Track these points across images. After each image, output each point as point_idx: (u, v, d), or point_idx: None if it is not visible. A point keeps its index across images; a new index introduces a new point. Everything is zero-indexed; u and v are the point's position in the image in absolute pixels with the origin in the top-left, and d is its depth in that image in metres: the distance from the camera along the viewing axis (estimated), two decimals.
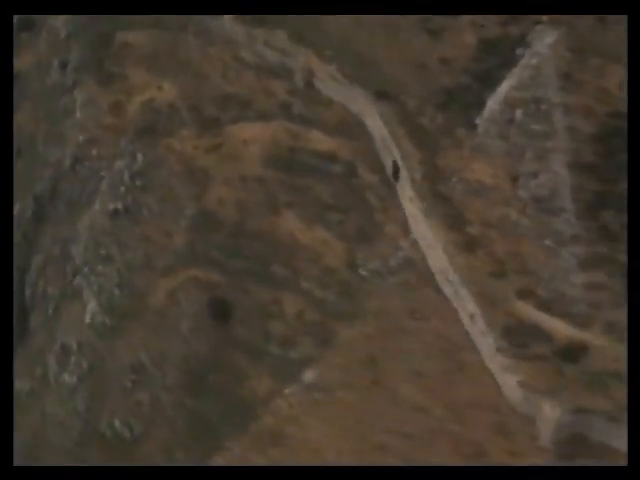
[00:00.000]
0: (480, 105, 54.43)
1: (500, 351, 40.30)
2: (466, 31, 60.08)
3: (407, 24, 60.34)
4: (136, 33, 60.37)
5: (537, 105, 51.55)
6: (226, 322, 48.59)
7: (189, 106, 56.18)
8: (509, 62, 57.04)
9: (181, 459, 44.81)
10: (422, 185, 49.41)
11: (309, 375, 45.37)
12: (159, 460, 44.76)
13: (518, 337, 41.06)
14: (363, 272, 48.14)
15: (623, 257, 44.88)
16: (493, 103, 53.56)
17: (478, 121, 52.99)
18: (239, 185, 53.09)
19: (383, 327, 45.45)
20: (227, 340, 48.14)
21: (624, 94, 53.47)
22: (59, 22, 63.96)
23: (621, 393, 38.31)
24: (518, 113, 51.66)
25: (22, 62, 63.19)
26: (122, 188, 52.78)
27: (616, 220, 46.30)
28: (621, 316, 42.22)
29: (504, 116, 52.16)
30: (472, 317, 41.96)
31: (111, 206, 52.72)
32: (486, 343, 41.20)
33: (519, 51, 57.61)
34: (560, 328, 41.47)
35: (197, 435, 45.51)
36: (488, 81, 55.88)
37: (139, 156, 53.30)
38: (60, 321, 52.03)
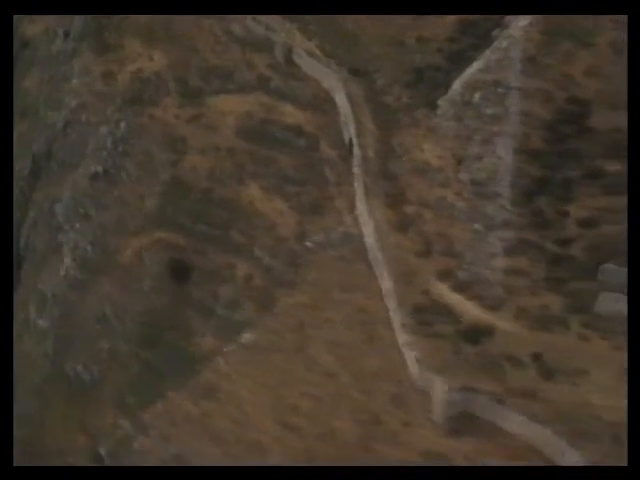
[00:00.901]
0: (447, 86, 55.74)
1: (404, 327, 42.75)
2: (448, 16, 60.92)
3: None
4: None
5: (495, 88, 52.39)
6: (184, 283, 52.79)
7: (175, 77, 59.89)
8: (483, 43, 57.87)
9: (130, 403, 49.79)
10: (373, 162, 51.62)
11: (247, 337, 49.07)
12: (111, 403, 50.10)
13: (426, 315, 43.16)
14: (308, 244, 51.02)
15: (550, 245, 46.08)
16: (457, 85, 54.74)
17: (440, 102, 54.31)
18: (212, 154, 56.64)
19: (316, 297, 48.31)
20: (182, 299, 52.36)
21: (588, 81, 53.85)
22: None
23: (514, 377, 40.32)
24: (476, 96, 52.63)
25: (32, 30, 68.36)
26: (104, 153, 57.29)
27: (551, 207, 47.23)
28: (535, 303, 43.89)
29: (464, 98, 53.23)
30: (387, 293, 44.44)
31: (93, 169, 57.41)
32: (396, 318, 43.71)
33: (495, 32, 58.34)
34: (469, 310, 43.25)
35: (146, 383, 50.14)
36: (459, 62, 56.90)
37: (122, 124, 57.63)
38: (42, 272, 57.60)
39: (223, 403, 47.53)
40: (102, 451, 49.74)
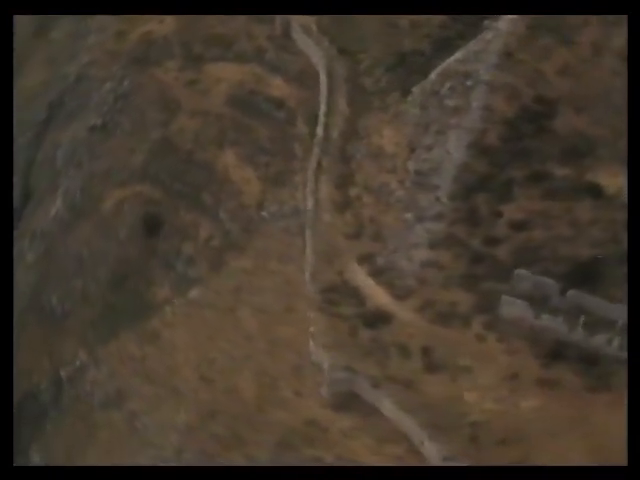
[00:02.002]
0: (426, 73, 56.08)
1: (312, 303, 44.99)
2: None
3: None
4: None
5: (464, 80, 52.42)
6: (154, 236, 56.86)
7: (181, 41, 62.95)
8: (472, 33, 57.55)
9: (90, 338, 54.98)
10: (334, 142, 53.26)
11: (194, 293, 53.00)
12: (75, 336, 55.45)
13: (335, 295, 45.30)
14: (264, 213, 53.73)
15: (476, 243, 46.62)
16: (434, 73, 54.99)
17: (414, 89, 54.86)
18: (201, 118, 59.73)
19: (257, 264, 51.33)
20: (150, 251, 56.49)
21: (559, 80, 52.77)
22: None
23: (398, 366, 42.09)
24: (446, 86, 52.98)
25: None
26: (105, 107, 61.54)
27: (487, 206, 47.53)
28: (443, 298, 45.00)
29: (434, 87, 53.63)
30: (307, 268, 46.67)
31: (92, 121, 61.88)
32: (309, 294, 46.00)
33: (486, 23, 57.78)
34: (377, 296, 44.93)
35: (106, 322, 55.07)
36: (444, 50, 56.93)
37: (125, 82, 61.67)
38: (38, 210, 63.16)
39: (160, 349, 52.08)
40: (62, 375, 55.87)
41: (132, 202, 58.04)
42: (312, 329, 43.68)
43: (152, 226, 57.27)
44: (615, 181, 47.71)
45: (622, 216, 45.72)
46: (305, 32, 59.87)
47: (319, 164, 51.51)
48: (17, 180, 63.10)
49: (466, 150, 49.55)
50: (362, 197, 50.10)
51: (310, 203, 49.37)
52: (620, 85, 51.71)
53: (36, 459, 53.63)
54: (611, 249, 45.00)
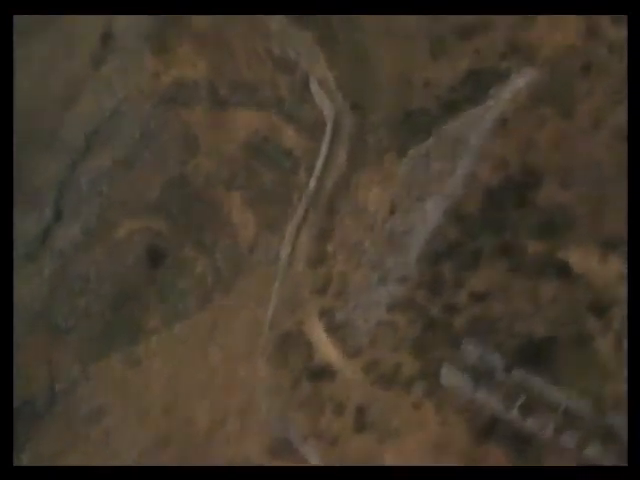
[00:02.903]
0: (429, 134, 56.76)
1: (266, 348, 46.60)
2: (465, 57, 60.96)
3: (419, 42, 63.17)
4: (203, 17, 71.04)
5: (455, 145, 52.78)
6: (156, 266, 60.56)
7: (209, 85, 66.45)
8: (479, 98, 57.68)
9: (85, 355, 58.98)
10: (325, 196, 54.85)
11: (178, 326, 55.99)
12: (72, 351, 59.50)
13: (289, 344, 46.68)
14: (254, 257, 56.00)
15: (435, 309, 46.74)
16: (433, 135, 55.63)
17: (411, 150, 55.64)
18: (216, 160, 63.22)
19: (237, 305, 53.92)
20: (151, 280, 60.28)
21: (551, 152, 51.99)
22: None
23: (328, 420, 43.02)
24: (437, 149, 53.46)
25: (117, 26, 77.96)
26: (131, 142, 65.81)
27: (452, 274, 47.55)
28: (390, 360, 45.40)
29: (428, 149, 54.32)
30: (268, 316, 48.47)
31: (118, 154, 66.33)
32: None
33: (492, 91, 57.76)
34: (327, 351, 45.94)
35: (101, 342, 59.46)
36: (450, 113, 57.38)
37: (153, 120, 65.69)
38: (60, 231, 67.93)
39: (138, 374, 55.66)
40: (56, 387, 60.19)
41: (141, 233, 62.12)
42: (260, 373, 45.61)
43: (156, 258, 61.10)
44: (586, 262, 46.95)
45: (585, 298, 45.30)
46: (321, 85, 62.26)
47: (305, 215, 53.48)
48: (50, 200, 68.88)
49: (442, 216, 50.06)
50: (337, 252, 51.49)
51: (286, 252, 51.33)
52: (612, 163, 51.18)
53: (24, 460, 58.10)
54: (568, 331, 44.40)
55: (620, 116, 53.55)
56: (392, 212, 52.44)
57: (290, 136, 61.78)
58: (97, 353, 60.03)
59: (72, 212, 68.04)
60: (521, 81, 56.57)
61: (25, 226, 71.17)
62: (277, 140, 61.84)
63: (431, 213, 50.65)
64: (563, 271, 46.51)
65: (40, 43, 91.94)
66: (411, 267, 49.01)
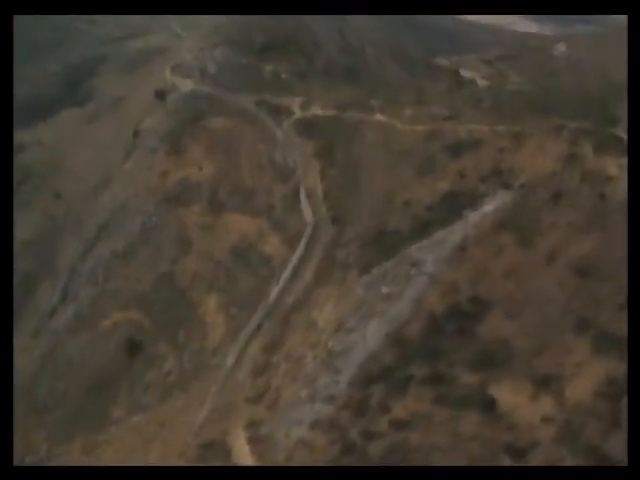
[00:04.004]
0: (395, 254, 56.83)
1: (186, 452, 47.19)
2: (448, 177, 61.18)
3: (412, 159, 63.99)
4: (219, 119, 75.09)
5: (410, 268, 52.58)
6: (133, 358, 62.67)
7: (210, 188, 69.80)
8: (452, 220, 57.44)
9: (53, 435, 61.34)
10: (282, 308, 55.67)
11: (135, 419, 57.40)
12: (44, 430, 61.85)
13: (208, 452, 46.95)
14: (212, 360, 57.09)
15: (355, 433, 45.95)
16: (397, 257, 55.61)
17: (374, 269, 55.76)
18: (203, 262, 65.74)
19: (184, 404, 54.75)
20: (125, 371, 62.29)
21: (503, 282, 50.79)
22: (175, 101, 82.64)
23: None
24: (393, 271, 53.44)
25: (144, 124, 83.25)
26: (131, 236, 69.37)
27: (379, 399, 46.83)
28: None
29: (387, 270, 54.36)
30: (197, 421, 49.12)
31: (117, 246, 69.97)
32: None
33: (465, 212, 57.44)
34: (244, 460, 45.89)
35: (71, 425, 61.64)
36: (420, 233, 57.45)
37: (154, 217, 69.21)
38: (60, 313, 71.69)
39: (93, 458, 56.88)
40: (27, 460, 62.51)
41: (124, 324, 64.93)
42: None
43: (133, 349, 63.55)
44: (515, 399, 45.25)
45: (505, 438, 43.54)
46: (308, 196, 64.14)
47: (260, 325, 54.55)
48: (62, 283, 73.56)
49: (382, 339, 49.87)
50: (280, 365, 52.04)
51: (231, 360, 52.33)
52: (562, 299, 49.59)
53: None
54: None
55: (576, 253, 52.55)
56: (337, 330, 52.87)
57: (273, 244, 63.73)
58: (64, 436, 62.31)
59: (72, 297, 72.38)
60: (490, 206, 56.74)
61: (41, 303, 76.33)
62: (261, 247, 63.96)
63: (371, 335, 50.70)
64: (488, 407, 45.21)
65: (103, 127, 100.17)
66: (341, 387, 48.99)
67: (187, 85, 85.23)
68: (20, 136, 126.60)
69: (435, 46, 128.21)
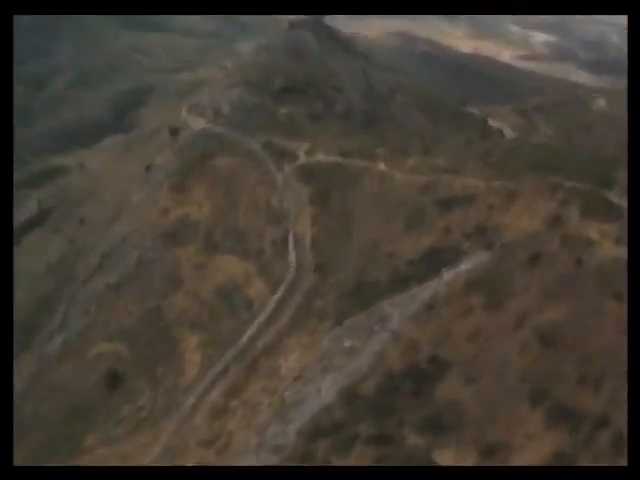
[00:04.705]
0: (371, 307, 56.24)
1: None
2: (433, 233, 60.47)
3: (403, 210, 63.52)
4: (226, 159, 76.08)
5: (375, 323, 52.06)
6: (112, 389, 63.52)
7: (207, 228, 70.70)
8: (429, 276, 56.58)
9: (30, 456, 62.02)
10: (250, 352, 55.71)
11: (102, 451, 58.05)
12: (24, 457, 62.76)
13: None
14: (181, 399, 57.32)
15: None
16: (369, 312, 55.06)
17: (346, 321, 55.29)
18: (190, 299, 66.49)
19: (151, 442, 54.87)
20: (103, 402, 63.13)
21: (465, 344, 49.65)
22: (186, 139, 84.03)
23: None
24: (360, 325, 52.91)
25: (158, 159, 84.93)
26: (126, 270, 70.64)
27: (323, 454, 46.21)
28: None
29: (357, 324, 53.86)
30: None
31: (111, 279, 71.24)
32: None
33: (444, 269, 56.50)
34: None
35: (47, 450, 62.52)
36: (397, 288, 56.82)
37: (150, 253, 70.33)
38: (53, 339, 73.10)
39: None
40: None
41: (108, 356, 65.98)
42: None
43: (114, 382, 64.46)
44: (453, 461, 44.17)
45: None
46: (296, 242, 64.37)
47: (226, 369, 54.74)
48: (62, 308, 75.50)
49: (336, 393, 49.37)
50: (237, 410, 52.00)
51: (191, 401, 52.62)
52: (523, 366, 48.20)
53: None
54: None
55: (544, 320, 51.09)
56: (296, 380, 52.61)
57: (257, 287, 64.09)
58: (40, 460, 63.32)
59: (66, 325, 74.09)
60: (465, 265, 55.83)
61: (50, 327, 78.43)
62: (246, 290, 64.42)
63: (326, 389, 50.30)
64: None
65: (135, 157, 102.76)
66: (290, 438, 48.66)
67: (199, 124, 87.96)
68: (65, 159, 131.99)
69: (473, 93, 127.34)
